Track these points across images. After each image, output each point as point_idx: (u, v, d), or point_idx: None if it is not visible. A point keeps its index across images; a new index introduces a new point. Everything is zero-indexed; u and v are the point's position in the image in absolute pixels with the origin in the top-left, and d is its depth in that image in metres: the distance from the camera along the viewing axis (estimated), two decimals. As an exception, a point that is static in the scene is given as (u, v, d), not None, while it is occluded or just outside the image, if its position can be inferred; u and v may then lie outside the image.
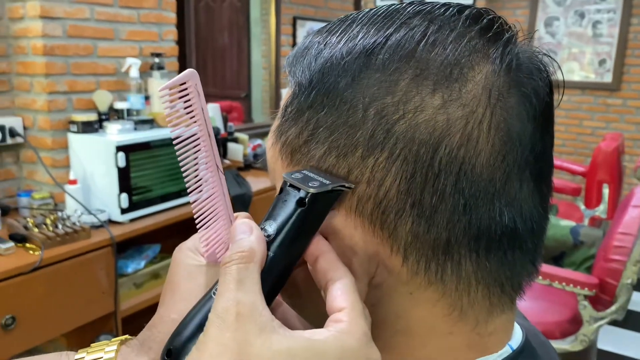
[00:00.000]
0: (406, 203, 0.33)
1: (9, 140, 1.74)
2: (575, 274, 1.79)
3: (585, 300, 1.74)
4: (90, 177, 1.76)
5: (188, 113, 0.39)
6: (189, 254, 0.42)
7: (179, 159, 0.39)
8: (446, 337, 0.36)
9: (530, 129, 0.34)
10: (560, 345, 1.77)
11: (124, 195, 1.70)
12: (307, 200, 0.33)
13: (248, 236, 0.32)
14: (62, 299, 1.50)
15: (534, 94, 0.34)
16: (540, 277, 1.76)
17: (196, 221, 0.40)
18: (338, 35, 0.36)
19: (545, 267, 1.80)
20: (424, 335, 0.36)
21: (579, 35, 3.94)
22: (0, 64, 1.76)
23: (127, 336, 0.41)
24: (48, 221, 1.57)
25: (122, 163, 1.67)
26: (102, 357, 0.38)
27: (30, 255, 1.46)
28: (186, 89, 0.38)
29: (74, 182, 1.71)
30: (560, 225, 2.17)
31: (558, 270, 1.79)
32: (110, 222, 1.72)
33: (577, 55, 3.97)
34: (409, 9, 0.36)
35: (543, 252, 0.40)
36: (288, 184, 0.34)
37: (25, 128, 1.79)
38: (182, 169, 0.39)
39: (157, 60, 2.01)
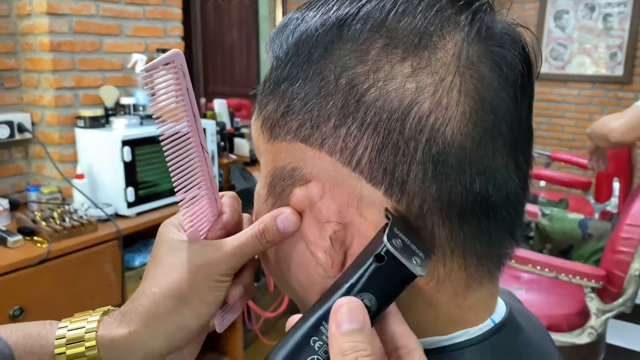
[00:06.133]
0: (378, 171, 0.33)
1: (18, 136, 1.77)
2: (582, 266, 1.78)
3: (592, 293, 1.73)
4: (97, 172, 1.78)
5: (173, 92, 0.39)
6: (173, 230, 0.42)
7: (160, 138, 0.39)
8: (426, 308, 0.37)
9: (503, 98, 0.34)
10: (568, 338, 1.76)
11: (130, 189, 1.71)
12: (409, 279, 0.31)
13: (361, 327, 0.29)
14: (69, 291, 1.52)
15: (506, 64, 0.34)
16: (546, 270, 1.75)
17: (178, 198, 0.40)
18: (315, 10, 0.37)
19: (552, 259, 1.78)
20: (404, 307, 0.37)
21: (590, 28, 3.89)
22: (8, 60, 1.78)
23: (110, 307, 0.42)
24: (55, 215, 1.59)
25: (128, 157, 1.68)
26: (84, 327, 0.39)
27: (38, 248, 1.48)
28: (171, 68, 0.39)
29: (81, 176, 1.73)
30: (568, 218, 2.15)
31: (564, 262, 1.78)
32: (117, 215, 1.74)
33: (587, 49, 3.93)
34: None
35: (523, 225, 0.40)
36: (392, 256, 0.31)
37: (33, 124, 1.82)
38: (165, 148, 0.39)
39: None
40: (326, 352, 0.30)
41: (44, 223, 1.55)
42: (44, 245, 1.48)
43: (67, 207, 1.65)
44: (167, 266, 0.40)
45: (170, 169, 0.39)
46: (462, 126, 0.32)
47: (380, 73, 0.33)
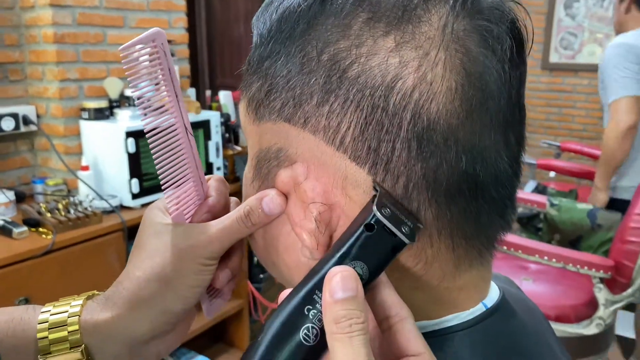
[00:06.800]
0: (362, 150, 0.32)
1: (23, 128, 1.77)
2: (590, 256, 1.75)
3: (601, 283, 1.71)
4: (102, 163, 1.78)
5: (154, 73, 0.39)
6: (158, 213, 0.42)
7: (142, 121, 0.38)
8: (414, 291, 0.36)
9: (491, 73, 0.33)
10: (575, 329, 1.74)
11: (135, 181, 1.72)
12: (400, 247, 0.31)
13: (355, 295, 0.29)
14: (74, 281, 1.52)
15: (493, 38, 0.32)
16: (554, 260, 1.73)
17: (162, 182, 0.40)
18: None
19: (559, 250, 1.76)
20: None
21: (600, 17, 3.83)
22: (13, 53, 1.78)
23: (94, 291, 0.41)
24: (60, 206, 1.60)
25: (132, 149, 1.68)
26: (67, 311, 0.39)
27: (42, 239, 1.49)
28: (152, 48, 0.38)
29: (86, 168, 1.74)
30: (577, 208, 2.13)
31: (572, 252, 1.76)
32: (122, 207, 1.75)
33: (598, 38, 3.87)
34: None
35: (517, 206, 0.39)
36: (382, 225, 0.31)
37: (38, 116, 1.82)
38: (147, 131, 0.39)
39: (167, 47, 2.01)
40: (320, 320, 0.30)
41: (49, 214, 1.56)
42: (49, 237, 1.49)
43: (72, 199, 1.65)
44: (151, 250, 0.39)
45: (152, 152, 0.39)
46: (447, 102, 0.31)
47: (362, 48, 0.32)
